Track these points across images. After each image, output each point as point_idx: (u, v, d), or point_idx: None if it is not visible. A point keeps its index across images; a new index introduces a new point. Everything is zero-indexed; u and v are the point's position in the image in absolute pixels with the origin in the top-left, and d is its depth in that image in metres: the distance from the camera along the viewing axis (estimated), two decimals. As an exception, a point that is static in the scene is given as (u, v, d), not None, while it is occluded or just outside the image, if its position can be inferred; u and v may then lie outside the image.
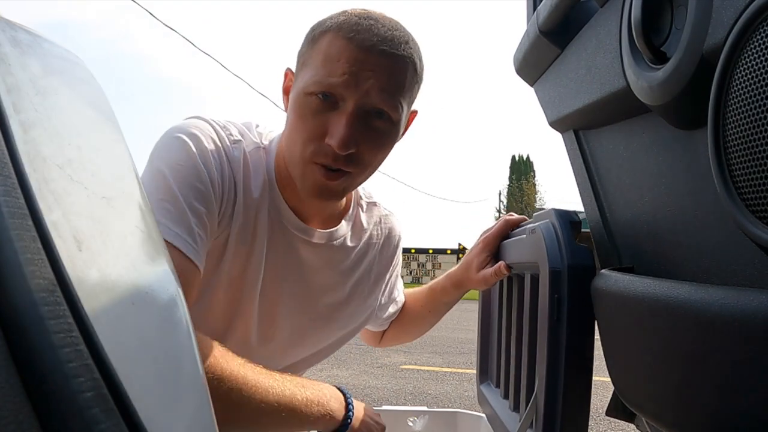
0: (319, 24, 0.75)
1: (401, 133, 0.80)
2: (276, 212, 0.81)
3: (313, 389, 0.78)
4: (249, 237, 0.78)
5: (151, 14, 8.11)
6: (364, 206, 0.95)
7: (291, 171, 0.77)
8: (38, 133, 0.23)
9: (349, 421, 0.79)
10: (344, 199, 0.90)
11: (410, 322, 1.11)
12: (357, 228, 0.92)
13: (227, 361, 0.69)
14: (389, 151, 0.79)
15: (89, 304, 0.20)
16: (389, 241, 0.99)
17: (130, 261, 0.26)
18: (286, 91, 0.80)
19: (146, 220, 0.31)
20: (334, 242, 0.87)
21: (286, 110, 0.79)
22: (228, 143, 0.77)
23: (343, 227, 0.89)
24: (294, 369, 0.94)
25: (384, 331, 1.15)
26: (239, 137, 0.79)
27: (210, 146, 0.74)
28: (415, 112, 0.85)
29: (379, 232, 0.97)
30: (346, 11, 0.75)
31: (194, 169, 0.71)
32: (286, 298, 0.84)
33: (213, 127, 0.77)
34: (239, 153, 0.77)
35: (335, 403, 0.79)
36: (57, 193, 0.22)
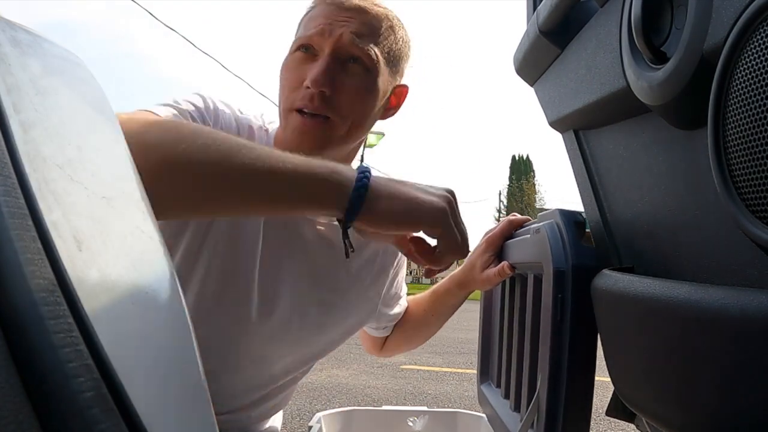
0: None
1: (383, 94, 0.83)
2: None
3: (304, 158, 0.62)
4: None
5: (151, 14, 8.11)
6: None
7: (281, 130, 0.81)
8: (38, 133, 0.23)
9: (365, 180, 0.57)
10: None
11: (413, 327, 1.11)
12: None
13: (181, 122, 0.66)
14: (370, 104, 0.81)
15: (89, 304, 0.20)
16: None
17: (130, 261, 0.26)
18: None
19: (146, 220, 0.31)
20: (334, 222, 0.88)
21: None
22: (237, 112, 0.84)
23: None
24: (294, 364, 0.93)
25: (386, 338, 1.14)
26: (249, 116, 0.86)
27: (223, 105, 0.81)
28: (404, 87, 0.89)
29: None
30: None
31: (202, 101, 0.78)
32: (286, 275, 0.84)
33: (224, 102, 0.84)
34: (246, 121, 0.84)
35: (342, 167, 0.59)
36: (57, 193, 0.22)
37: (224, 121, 0.80)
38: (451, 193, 0.63)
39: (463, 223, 0.63)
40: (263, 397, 0.94)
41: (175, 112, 0.73)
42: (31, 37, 0.27)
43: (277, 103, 0.82)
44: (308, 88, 0.75)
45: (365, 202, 0.56)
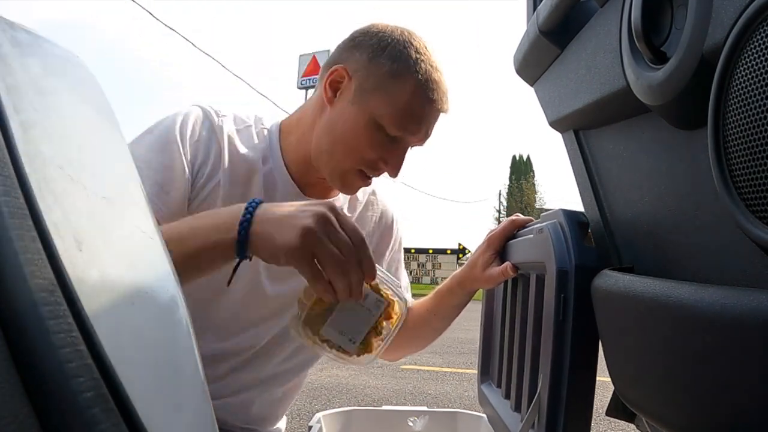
0: (399, 55, 0.83)
1: None
2: (275, 176, 0.89)
3: (204, 215, 0.69)
4: (240, 187, 0.85)
5: (151, 14, 8.11)
6: (367, 190, 1.03)
7: (324, 165, 0.87)
8: (38, 133, 0.23)
9: (245, 222, 0.60)
10: None
11: (415, 328, 1.11)
12: (352, 200, 1.01)
13: None
14: None
15: (89, 304, 0.20)
16: (384, 218, 1.06)
17: (130, 261, 0.26)
18: (332, 85, 0.87)
19: (146, 220, 0.31)
20: None
21: (326, 98, 0.86)
22: (213, 116, 0.88)
23: (340, 199, 0.97)
24: (296, 355, 0.94)
25: None
26: (226, 115, 0.90)
27: (190, 119, 0.86)
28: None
29: (375, 208, 1.05)
30: (418, 48, 0.85)
31: (169, 134, 0.83)
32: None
33: (202, 107, 0.89)
34: (224, 124, 0.88)
35: (226, 214, 0.63)
36: (57, 193, 0.22)
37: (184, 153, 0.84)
38: (329, 206, 0.60)
39: (341, 235, 0.59)
40: (263, 394, 0.95)
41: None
42: (31, 37, 0.27)
43: (326, 127, 0.86)
44: (386, 171, 0.86)
45: (250, 237, 0.60)
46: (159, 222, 0.71)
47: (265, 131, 0.93)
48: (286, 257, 0.58)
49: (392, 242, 1.07)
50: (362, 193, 1.02)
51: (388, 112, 0.82)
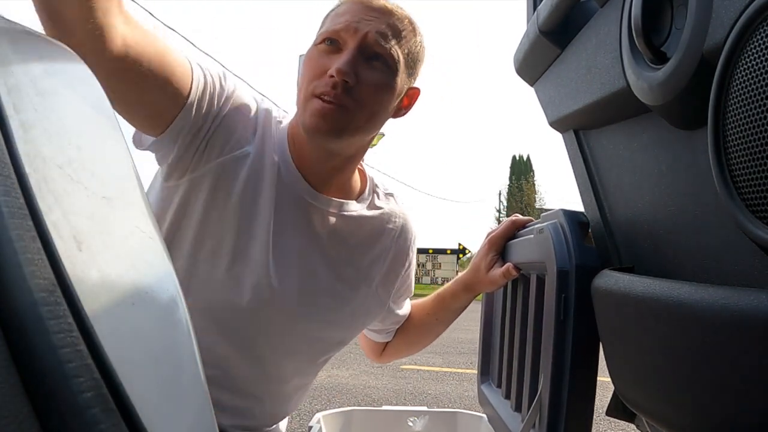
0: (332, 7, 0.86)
1: (398, 93, 0.86)
2: (285, 173, 0.86)
3: None
4: (260, 172, 0.83)
5: (150, 14, 8.11)
6: (380, 194, 0.98)
7: (298, 119, 0.83)
8: (38, 133, 0.23)
9: None
10: (360, 181, 0.94)
11: (415, 331, 1.11)
12: (372, 209, 0.96)
13: None
14: (387, 100, 0.84)
15: (89, 304, 0.20)
16: (405, 234, 1.00)
17: (130, 261, 0.26)
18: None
19: (146, 220, 0.31)
20: (344, 213, 0.89)
21: None
22: (259, 100, 0.88)
23: (356, 205, 0.92)
24: (301, 365, 0.93)
25: (386, 343, 1.14)
26: (267, 106, 0.89)
27: (249, 94, 0.86)
28: (417, 90, 0.91)
29: (396, 222, 0.98)
30: None
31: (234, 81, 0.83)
32: (298, 258, 0.86)
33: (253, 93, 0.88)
34: (263, 108, 0.88)
35: None
36: (57, 193, 0.22)
37: (242, 100, 0.84)
38: None
39: None
40: (267, 400, 0.93)
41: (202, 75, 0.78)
42: (31, 37, 0.27)
43: (297, 93, 0.84)
44: (332, 77, 0.77)
45: None
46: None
47: (279, 125, 0.91)
48: None
49: (407, 263, 1.01)
50: (383, 209, 0.96)
51: (321, 31, 0.83)
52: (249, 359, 0.87)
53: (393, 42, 0.82)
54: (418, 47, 0.88)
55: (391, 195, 1.00)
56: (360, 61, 0.79)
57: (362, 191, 0.95)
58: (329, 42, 0.80)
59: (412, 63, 0.87)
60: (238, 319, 0.84)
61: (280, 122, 0.90)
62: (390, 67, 0.82)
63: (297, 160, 0.87)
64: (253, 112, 0.85)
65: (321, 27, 0.85)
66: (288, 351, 0.90)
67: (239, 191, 0.81)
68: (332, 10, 0.86)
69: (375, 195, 0.97)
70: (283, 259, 0.84)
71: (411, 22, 0.85)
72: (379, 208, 0.96)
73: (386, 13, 0.82)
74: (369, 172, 0.99)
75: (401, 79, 0.85)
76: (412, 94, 0.91)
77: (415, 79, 0.90)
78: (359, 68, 0.79)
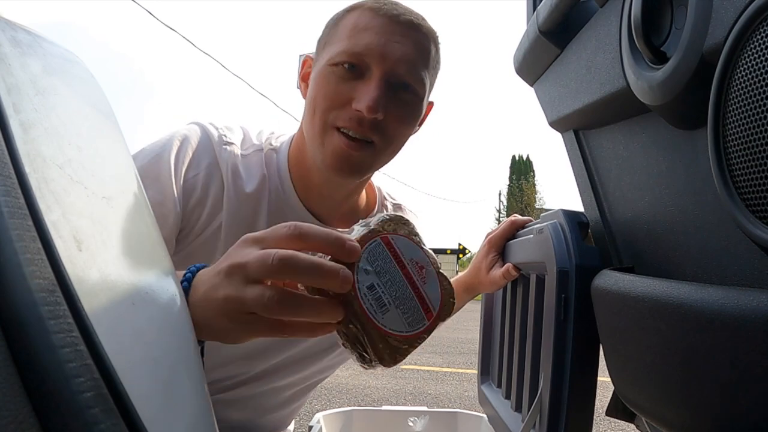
0: (342, 10, 0.76)
1: (420, 118, 0.80)
2: (284, 207, 0.79)
3: None
4: (244, 227, 0.75)
5: (151, 14, 8.11)
6: (389, 207, 0.94)
7: (309, 146, 0.75)
8: (38, 133, 0.23)
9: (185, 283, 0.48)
10: (366, 197, 0.89)
11: None
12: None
13: None
14: (410, 132, 0.78)
15: (89, 304, 0.20)
16: None
17: (130, 261, 0.26)
18: (304, 78, 0.79)
19: (146, 219, 0.31)
20: None
21: (304, 97, 0.77)
22: (216, 144, 0.77)
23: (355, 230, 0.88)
24: (305, 356, 0.93)
25: None
26: (233, 140, 0.79)
27: (189, 147, 0.75)
28: (431, 104, 0.85)
29: None
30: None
31: (162, 163, 0.73)
32: None
33: (205, 130, 0.78)
34: (228, 155, 0.77)
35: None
36: (57, 193, 0.22)
37: (223, 159, 0.77)
38: (245, 241, 0.45)
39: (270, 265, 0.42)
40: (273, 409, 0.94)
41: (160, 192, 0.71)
42: (31, 37, 0.27)
43: (305, 115, 0.75)
44: (358, 111, 0.69)
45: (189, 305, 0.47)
46: None
47: (275, 154, 0.81)
48: (234, 341, 0.46)
49: None
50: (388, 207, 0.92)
51: (338, 47, 0.71)
52: (250, 379, 0.87)
53: (422, 68, 0.74)
54: (440, 60, 0.81)
55: (400, 207, 0.96)
56: (388, 92, 0.71)
57: (370, 209, 0.90)
58: (350, 66, 0.70)
59: (433, 84, 0.81)
60: (237, 357, 0.83)
61: (275, 150, 0.81)
62: (418, 95, 0.75)
63: (301, 190, 0.80)
64: (214, 180, 0.75)
65: (331, 34, 0.75)
66: (287, 373, 0.90)
67: (224, 246, 0.74)
68: (344, 16, 0.75)
69: (384, 210, 0.92)
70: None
71: (435, 36, 0.77)
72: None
73: (413, 29, 0.73)
74: (376, 182, 0.94)
75: (425, 105, 0.79)
76: (429, 109, 0.85)
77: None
78: (387, 100, 0.71)
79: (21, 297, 0.18)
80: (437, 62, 0.79)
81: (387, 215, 0.49)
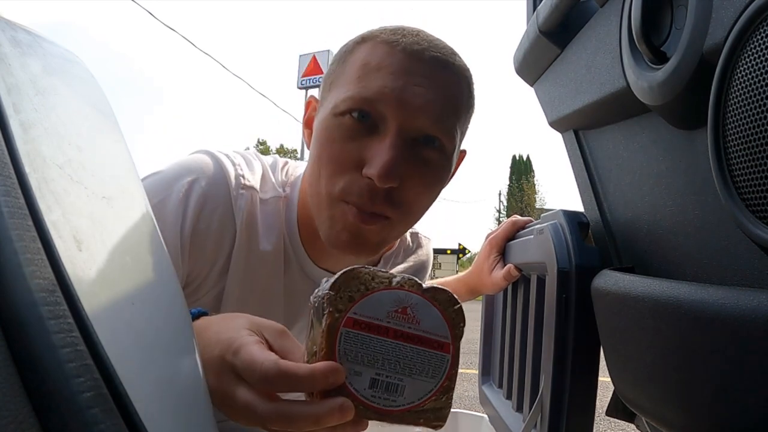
0: (351, 41, 0.62)
1: (451, 173, 0.65)
2: (303, 267, 0.70)
3: None
4: (258, 292, 0.68)
5: (150, 14, 8.11)
6: (407, 237, 0.87)
7: (315, 216, 0.62)
8: (38, 133, 0.23)
9: None
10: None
11: None
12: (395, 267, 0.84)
13: None
14: (437, 195, 0.64)
15: (89, 304, 0.20)
16: (422, 269, 0.92)
17: (130, 261, 0.26)
18: (307, 124, 0.66)
19: (146, 219, 0.31)
20: None
21: (308, 147, 0.65)
22: (233, 189, 0.64)
23: None
24: None
25: None
26: (252, 183, 0.66)
27: (200, 192, 0.62)
28: (463, 152, 0.70)
29: (415, 262, 0.89)
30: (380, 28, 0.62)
31: (166, 211, 0.61)
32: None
33: (220, 168, 0.64)
34: (244, 202, 0.65)
35: None
36: (57, 193, 0.22)
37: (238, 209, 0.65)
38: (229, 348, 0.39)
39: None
40: None
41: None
42: (31, 37, 0.27)
43: (309, 171, 0.63)
44: (369, 179, 0.55)
45: None
46: None
47: (281, 200, 0.69)
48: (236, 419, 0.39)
49: None
50: (404, 258, 0.85)
51: (344, 92, 0.57)
52: None
53: (452, 117, 0.58)
54: (473, 103, 0.64)
55: (416, 235, 0.89)
56: (407, 151, 0.56)
57: (389, 248, 0.81)
58: (360, 116, 0.55)
59: (466, 130, 0.65)
60: None
61: (285, 197, 0.69)
62: (446, 152, 0.59)
63: (309, 248, 0.70)
64: (225, 235, 0.64)
65: (338, 73, 0.60)
66: None
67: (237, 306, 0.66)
68: (354, 50, 0.60)
69: (403, 246, 0.85)
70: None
71: (468, 75, 0.62)
72: (402, 263, 0.85)
73: (440, 68, 0.57)
74: None
75: (455, 156, 0.63)
76: (460, 159, 0.70)
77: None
78: (406, 162, 0.56)
79: (21, 297, 0.18)
80: (470, 107, 0.63)
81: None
